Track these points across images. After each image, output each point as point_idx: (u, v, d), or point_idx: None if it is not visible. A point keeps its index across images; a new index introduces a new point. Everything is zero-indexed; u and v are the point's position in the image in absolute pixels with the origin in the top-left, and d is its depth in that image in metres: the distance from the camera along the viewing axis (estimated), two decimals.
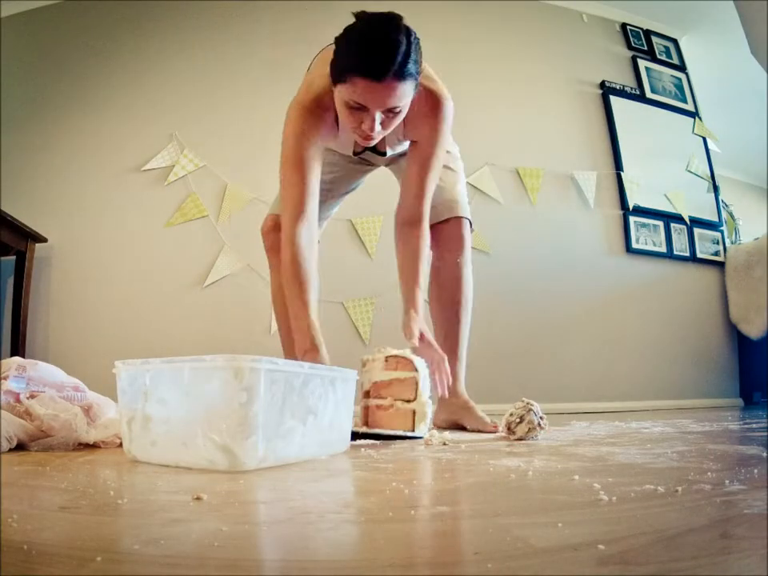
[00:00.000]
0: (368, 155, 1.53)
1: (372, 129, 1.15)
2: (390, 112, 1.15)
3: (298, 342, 1.22)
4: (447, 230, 1.52)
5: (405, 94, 1.13)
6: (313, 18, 2.78)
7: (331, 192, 1.61)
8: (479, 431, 1.36)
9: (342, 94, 1.14)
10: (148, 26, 2.85)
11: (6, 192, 2.52)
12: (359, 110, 1.13)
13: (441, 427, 1.46)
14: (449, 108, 1.32)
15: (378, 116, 1.14)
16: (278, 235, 1.35)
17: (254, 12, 2.84)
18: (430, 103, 1.29)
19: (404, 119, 1.25)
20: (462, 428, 1.43)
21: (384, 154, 1.48)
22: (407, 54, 1.08)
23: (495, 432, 1.33)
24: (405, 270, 1.40)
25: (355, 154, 1.50)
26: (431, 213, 1.42)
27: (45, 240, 2.50)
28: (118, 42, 2.82)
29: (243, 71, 2.78)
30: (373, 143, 1.23)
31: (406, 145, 1.45)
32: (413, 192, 1.37)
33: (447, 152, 1.51)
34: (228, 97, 2.76)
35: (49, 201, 2.62)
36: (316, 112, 1.28)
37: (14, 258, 2.43)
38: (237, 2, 2.85)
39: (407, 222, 1.39)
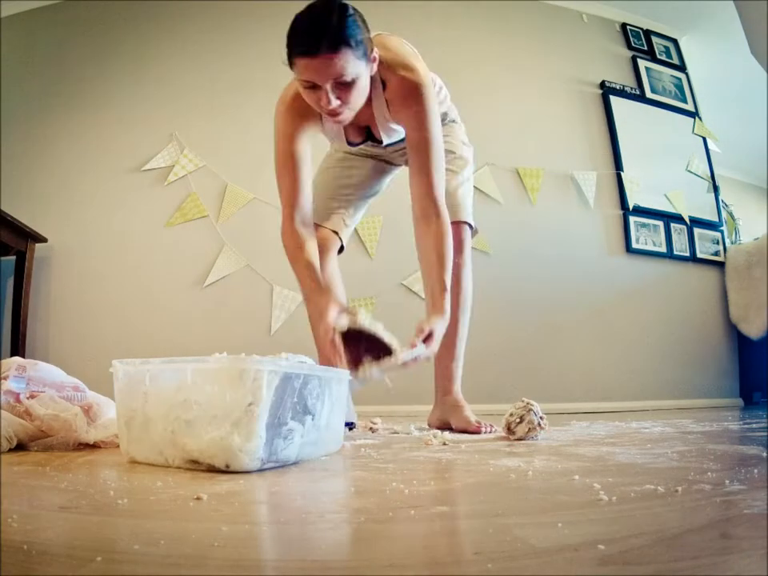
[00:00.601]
0: (368, 146, 1.54)
1: (328, 102, 1.17)
2: (341, 84, 1.17)
3: (313, 312, 1.33)
4: None
5: (348, 64, 1.15)
6: None
7: (354, 195, 1.64)
8: (464, 431, 1.36)
9: (296, 77, 1.19)
10: (148, 26, 2.85)
11: (6, 192, 2.52)
12: (313, 88, 1.18)
13: (437, 427, 1.46)
14: (426, 92, 1.31)
15: (331, 89, 1.16)
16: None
17: (254, 12, 2.84)
18: (405, 90, 1.31)
19: (387, 103, 1.34)
20: (450, 427, 1.43)
21: (381, 141, 1.48)
22: (340, 27, 1.12)
23: (478, 432, 1.33)
24: (424, 272, 1.35)
25: (350, 144, 1.50)
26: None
27: (45, 240, 2.50)
28: (118, 42, 2.82)
29: (244, 71, 2.78)
30: (342, 119, 1.25)
31: (402, 132, 1.45)
32: (419, 182, 1.34)
33: (451, 152, 1.51)
34: (228, 97, 2.76)
35: (49, 201, 2.63)
36: (296, 106, 1.33)
37: (14, 258, 2.43)
38: (237, 2, 2.85)
39: (420, 217, 1.35)
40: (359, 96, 1.23)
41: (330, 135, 1.48)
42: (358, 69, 1.18)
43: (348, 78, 1.16)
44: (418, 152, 1.33)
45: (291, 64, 1.16)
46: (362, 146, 1.53)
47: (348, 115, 1.24)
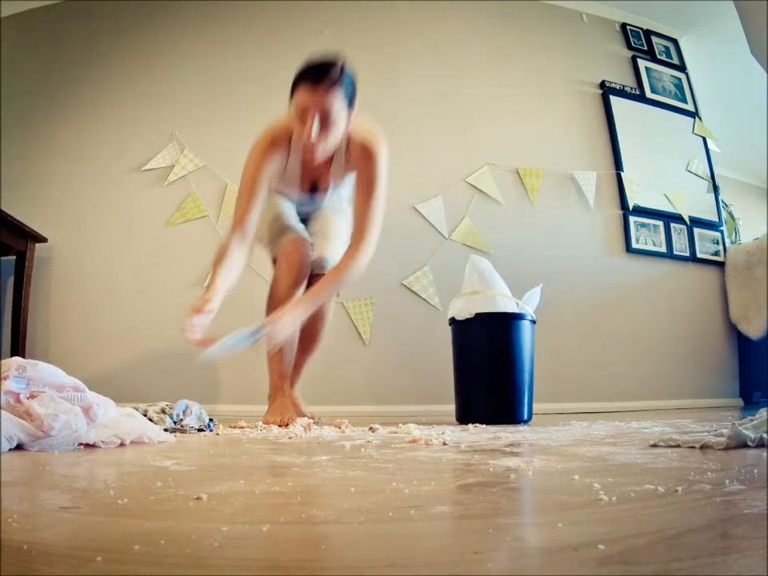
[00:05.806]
0: (308, 200, 1.77)
1: (311, 128, 1.39)
2: (324, 120, 1.40)
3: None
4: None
5: (336, 102, 1.40)
6: (315, 19, 2.78)
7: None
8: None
9: (293, 104, 1.41)
10: (149, 27, 2.85)
11: (6, 192, 2.52)
12: (304, 115, 1.40)
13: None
14: (381, 157, 1.55)
15: (317, 120, 1.39)
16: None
17: (255, 12, 2.84)
18: (365, 153, 1.55)
19: (345, 162, 1.58)
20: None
21: (326, 190, 1.72)
22: (340, 75, 1.39)
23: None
24: (322, 280, 1.60)
25: (303, 191, 1.72)
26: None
27: (45, 240, 2.50)
28: (118, 42, 2.82)
29: (244, 71, 2.78)
30: (317, 150, 1.45)
31: (343, 189, 1.75)
32: (361, 210, 1.58)
33: None
34: (228, 97, 2.76)
35: (49, 201, 2.63)
36: (273, 145, 1.55)
37: (14, 258, 2.43)
38: (238, 3, 2.85)
39: (352, 235, 1.63)
40: (334, 138, 1.45)
41: (286, 181, 1.68)
42: (340, 113, 1.42)
43: (332, 116, 1.40)
44: (365, 193, 1.56)
45: (293, 90, 1.41)
46: (304, 199, 1.76)
47: (321, 149, 1.46)
